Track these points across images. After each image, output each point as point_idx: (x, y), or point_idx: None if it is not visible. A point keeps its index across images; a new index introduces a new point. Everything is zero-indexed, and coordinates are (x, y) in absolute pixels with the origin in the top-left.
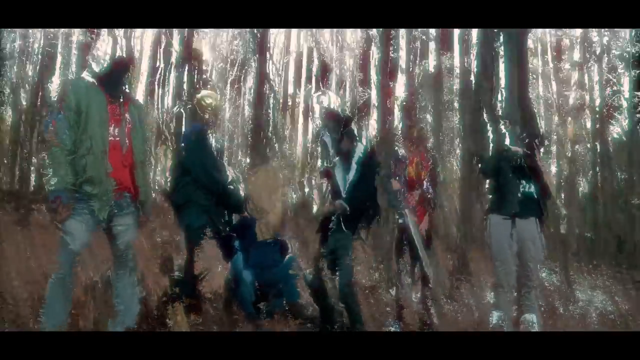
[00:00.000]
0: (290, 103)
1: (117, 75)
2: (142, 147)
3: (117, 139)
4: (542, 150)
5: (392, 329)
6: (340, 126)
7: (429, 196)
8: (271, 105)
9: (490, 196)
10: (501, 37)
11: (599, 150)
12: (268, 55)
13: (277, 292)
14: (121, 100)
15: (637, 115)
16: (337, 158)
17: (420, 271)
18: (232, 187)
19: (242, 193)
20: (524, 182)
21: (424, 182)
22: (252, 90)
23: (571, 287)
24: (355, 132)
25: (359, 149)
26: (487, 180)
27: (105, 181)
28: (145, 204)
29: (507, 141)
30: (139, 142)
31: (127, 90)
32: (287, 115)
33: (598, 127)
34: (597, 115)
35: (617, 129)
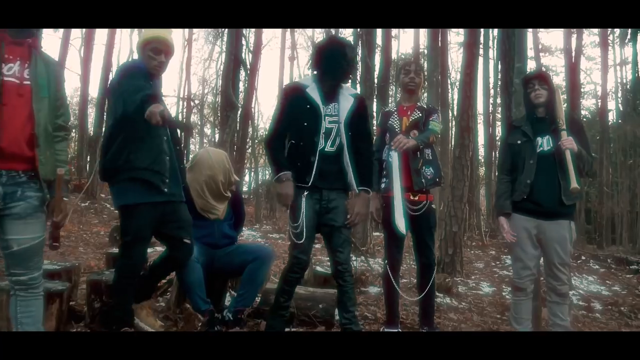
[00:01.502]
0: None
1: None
2: (49, 112)
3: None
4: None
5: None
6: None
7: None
8: None
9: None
10: None
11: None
12: None
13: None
14: (27, 41)
15: None
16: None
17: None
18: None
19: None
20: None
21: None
22: None
23: None
24: None
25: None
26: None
27: None
28: (53, 185)
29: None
30: (44, 105)
31: (36, 34)
32: None
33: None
34: None
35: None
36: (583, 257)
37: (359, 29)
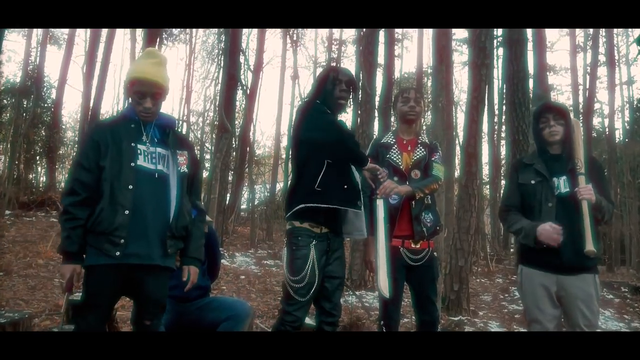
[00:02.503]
0: None
1: None
2: None
3: None
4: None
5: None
6: None
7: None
8: None
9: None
10: None
11: None
12: None
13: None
14: None
15: None
16: None
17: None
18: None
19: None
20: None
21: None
22: None
23: None
24: None
25: None
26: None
27: None
28: None
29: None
30: None
31: None
32: None
33: None
34: None
35: None
36: None
37: (360, 47)
